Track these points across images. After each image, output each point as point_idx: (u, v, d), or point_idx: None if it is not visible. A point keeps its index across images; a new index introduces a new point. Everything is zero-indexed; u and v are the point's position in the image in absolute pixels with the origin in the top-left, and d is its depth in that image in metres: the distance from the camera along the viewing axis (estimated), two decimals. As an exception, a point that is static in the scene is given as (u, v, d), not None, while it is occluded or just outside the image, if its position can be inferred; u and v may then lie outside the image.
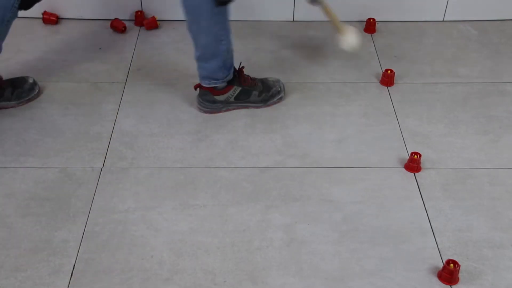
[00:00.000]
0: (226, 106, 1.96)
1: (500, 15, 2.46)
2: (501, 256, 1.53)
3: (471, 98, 2.06)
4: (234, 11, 2.42)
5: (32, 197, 1.68)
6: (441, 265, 1.50)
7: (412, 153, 1.75)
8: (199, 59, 1.88)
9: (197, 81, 2.12)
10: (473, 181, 1.74)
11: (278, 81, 2.02)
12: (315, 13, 2.42)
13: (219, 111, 1.96)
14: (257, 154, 1.83)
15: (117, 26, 2.36)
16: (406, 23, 2.44)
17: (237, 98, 1.95)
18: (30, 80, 2.01)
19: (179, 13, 2.43)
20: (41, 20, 2.38)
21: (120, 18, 2.39)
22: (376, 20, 2.42)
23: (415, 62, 2.24)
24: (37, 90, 2.01)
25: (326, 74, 2.15)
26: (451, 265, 1.45)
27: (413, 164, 1.75)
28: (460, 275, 1.48)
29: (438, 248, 1.55)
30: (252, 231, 1.59)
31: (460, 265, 1.45)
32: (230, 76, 1.92)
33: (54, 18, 2.38)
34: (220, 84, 1.91)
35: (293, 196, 1.69)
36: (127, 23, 2.39)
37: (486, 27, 2.43)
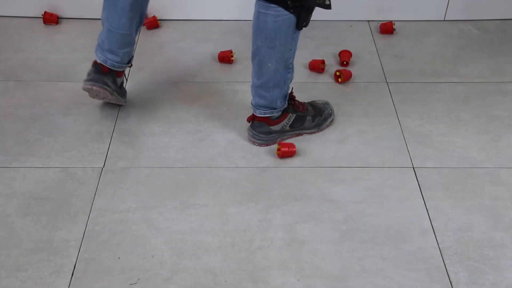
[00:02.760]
0: (281, 135, 1.85)
1: (501, 15, 2.46)
2: (502, 256, 1.53)
3: (472, 98, 2.06)
4: (236, 11, 2.43)
5: (33, 196, 1.68)
6: (442, 265, 1.50)
7: None
8: (260, 87, 1.74)
9: (198, 81, 2.13)
10: (474, 181, 1.74)
11: (327, 103, 1.95)
12: (316, 13, 2.42)
13: (274, 142, 1.85)
14: (257, 153, 1.83)
15: (118, 26, 2.36)
16: (407, 23, 2.44)
17: (292, 126, 1.85)
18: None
19: (179, 13, 2.45)
20: (41, 20, 2.38)
21: (121, 17, 2.38)
22: (379, 20, 2.42)
23: (416, 61, 2.24)
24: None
25: (327, 74, 2.15)
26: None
27: None
28: (461, 274, 1.48)
29: (439, 247, 1.55)
30: (253, 231, 1.59)
31: None
32: (286, 105, 1.82)
33: (54, 18, 2.38)
34: (276, 114, 1.81)
35: (293, 196, 1.69)
36: (127, 23, 2.39)
37: (487, 26, 2.43)
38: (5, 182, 1.72)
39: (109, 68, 1.84)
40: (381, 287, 1.46)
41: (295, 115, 1.85)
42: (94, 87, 1.83)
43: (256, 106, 1.80)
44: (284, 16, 1.60)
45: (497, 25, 2.44)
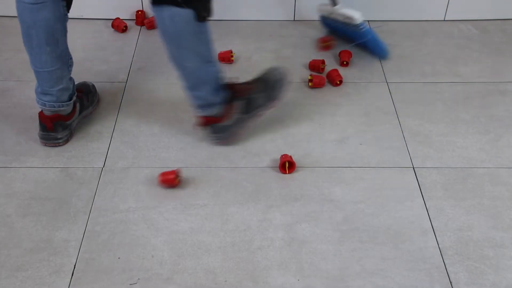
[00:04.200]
0: (239, 125, 1.80)
1: (501, 15, 2.46)
2: (502, 256, 1.53)
3: (472, 98, 2.06)
4: (236, 11, 2.43)
5: (33, 196, 1.68)
6: (442, 265, 1.50)
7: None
8: (190, 89, 1.72)
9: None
10: (474, 181, 1.74)
11: (274, 69, 1.85)
12: (316, 13, 2.42)
13: (237, 133, 1.82)
14: (258, 153, 1.83)
15: (118, 26, 2.36)
16: (407, 23, 2.44)
17: (246, 111, 1.79)
18: (89, 83, 1.99)
19: (179, 13, 2.45)
20: (42, 20, 2.38)
21: (121, 17, 2.39)
22: (379, 20, 2.42)
23: (416, 61, 2.24)
24: (95, 90, 2.00)
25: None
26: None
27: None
28: (461, 274, 1.48)
29: (439, 247, 1.55)
30: (253, 231, 1.59)
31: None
32: (226, 95, 1.76)
33: (55, 18, 2.38)
34: (219, 109, 1.76)
35: (293, 196, 1.69)
36: (128, 23, 2.39)
37: (487, 26, 2.43)
38: (5, 182, 1.72)
39: (53, 124, 1.79)
40: (381, 287, 1.46)
41: (242, 101, 1.78)
42: (47, 145, 1.82)
43: (196, 107, 1.77)
44: (179, 13, 1.55)
45: (497, 25, 2.44)
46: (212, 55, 1.69)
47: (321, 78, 2.09)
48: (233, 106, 1.78)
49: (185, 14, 1.55)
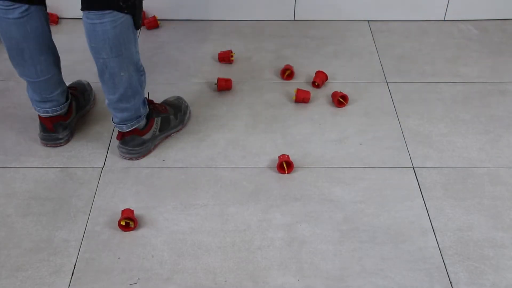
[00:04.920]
0: (153, 142, 1.82)
1: (501, 15, 2.46)
2: (502, 256, 1.53)
3: (471, 98, 2.06)
4: (236, 11, 2.43)
5: (33, 196, 1.68)
6: (442, 265, 1.50)
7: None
8: (120, 101, 1.66)
9: (198, 81, 2.13)
10: (474, 181, 1.74)
11: (179, 97, 1.95)
12: (316, 13, 2.43)
13: (150, 151, 1.82)
14: (257, 153, 1.83)
15: (118, 26, 2.36)
16: (407, 23, 2.44)
17: (161, 129, 1.82)
18: (84, 82, 2.00)
19: (179, 13, 2.45)
20: (41, 20, 2.38)
21: (121, 17, 2.38)
22: (379, 20, 2.42)
23: (416, 61, 2.24)
24: (91, 88, 2.01)
25: (327, 74, 2.15)
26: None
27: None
28: (461, 274, 1.48)
29: (439, 247, 1.55)
30: (253, 231, 1.59)
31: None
32: (147, 110, 1.77)
33: (54, 18, 2.38)
34: (142, 121, 1.75)
35: (293, 196, 1.69)
36: (127, 23, 2.39)
37: (487, 26, 2.43)
38: (5, 182, 1.72)
39: (53, 124, 1.79)
40: (381, 287, 1.46)
41: (160, 118, 1.82)
42: (48, 146, 1.83)
43: (121, 122, 1.72)
44: (121, 19, 1.52)
45: (497, 25, 2.44)
46: (142, 66, 1.68)
47: (306, 92, 2.02)
48: (154, 121, 1.80)
49: (126, 20, 1.53)
